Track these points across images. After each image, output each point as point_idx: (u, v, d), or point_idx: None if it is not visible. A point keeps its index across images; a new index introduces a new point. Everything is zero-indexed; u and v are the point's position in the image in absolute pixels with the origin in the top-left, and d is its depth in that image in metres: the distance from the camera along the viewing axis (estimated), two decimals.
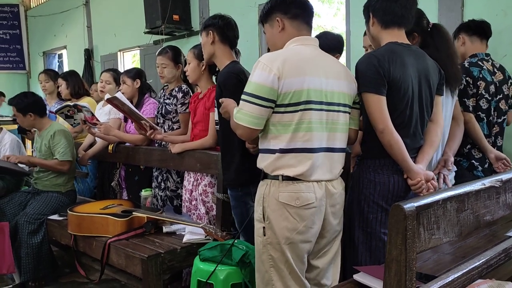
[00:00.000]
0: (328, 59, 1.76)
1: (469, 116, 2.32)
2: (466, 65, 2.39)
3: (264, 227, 1.70)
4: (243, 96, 1.66)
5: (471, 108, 2.34)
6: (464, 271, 1.09)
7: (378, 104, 1.71)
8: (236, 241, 2.05)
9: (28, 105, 3.11)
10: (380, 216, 1.79)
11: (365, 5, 1.87)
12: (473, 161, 2.38)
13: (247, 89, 1.66)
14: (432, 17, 3.21)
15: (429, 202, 0.95)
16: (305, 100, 1.62)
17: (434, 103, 1.87)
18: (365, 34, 2.54)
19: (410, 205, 0.90)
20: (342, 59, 3.95)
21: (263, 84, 1.61)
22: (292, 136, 1.64)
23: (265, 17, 1.83)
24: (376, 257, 1.80)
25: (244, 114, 1.65)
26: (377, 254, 1.80)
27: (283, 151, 1.65)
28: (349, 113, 1.77)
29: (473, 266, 1.13)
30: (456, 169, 2.16)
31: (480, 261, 1.15)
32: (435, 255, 1.56)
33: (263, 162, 1.71)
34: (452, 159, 2.04)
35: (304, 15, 1.78)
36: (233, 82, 2.10)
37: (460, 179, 2.13)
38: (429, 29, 2.00)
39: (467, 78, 2.35)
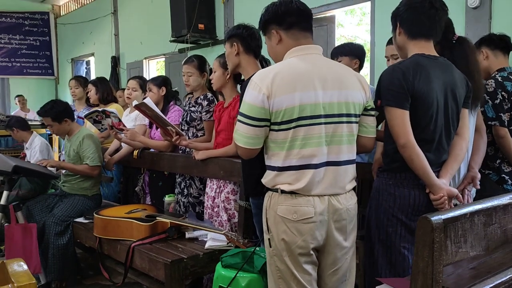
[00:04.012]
0: (331, 67, 1.68)
1: (505, 131, 2.27)
2: (499, 80, 2.35)
3: (269, 239, 1.70)
4: (238, 117, 1.67)
5: (506, 123, 2.29)
6: (490, 286, 1.08)
7: (401, 119, 1.68)
8: (257, 248, 2.07)
9: (61, 112, 3.21)
10: (400, 230, 1.77)
11: (393, 13, 1.84)
12: (503, 175, 2.34)
13: (241, 109, 1.65)
14: (459, 29, 3.18)
15: (456, 215, 0.95)
16: (297, 116, 1.58)
17: (460, 117, 1.83)
18: (387, 43, 2.56)
19: (437, 218, 0.90)
20: (366, 69, 3.95)
21: (254, 104, 1.60)
22: (287, 154, 1.62)
23: (262, 30, 1.81)
24: (397, 270, 1.77)
25: (239, 135, 1.66)
26: (398, 268, 1.78)
27: (281, 169, 1.64)
28: (356, 122, 1.71)
29: (500, 281, 1.12)
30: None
31: (507, 277, 1.14)
32: (459, 269, 1.54)
33: (265, 178, 1.72)
34: (479, 176, 1.99)
35: (300, 22, 1.71)
36: None
37: (489, 193, 2.09)
38: (453, 42, 1.95)
39: (503, 93, 2.30)
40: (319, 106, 1.60)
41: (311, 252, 1.66)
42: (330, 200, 1.64)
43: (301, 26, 1.72)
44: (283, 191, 1.64)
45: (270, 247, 1.69)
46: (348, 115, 1.66)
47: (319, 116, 1.60)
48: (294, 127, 1.60)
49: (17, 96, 8.50)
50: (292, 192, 1.62)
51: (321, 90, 1.61)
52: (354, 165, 1.74)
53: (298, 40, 1.71)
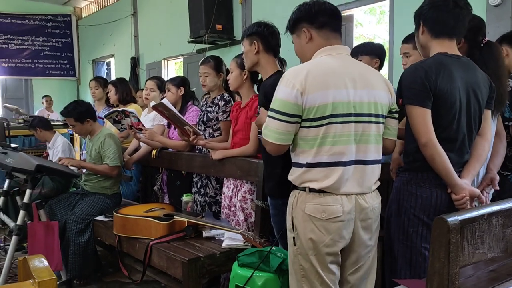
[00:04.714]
0: (359, 68, 1.72)
1: None
2: None
3: (294, 237, 1.70)
4: (269, 113, 1.67)
5: None
6: None
7: (422, 117, 1.67)
8: (274, 248, 2.07)
9: (84, 112, 3.27)
10: (421, 230, 1.75)
11: (416, 12, 1.83)
12: None
13: (272, 105, 1.66)
14: None
15: (473, 216, 0.94)
16: (330, 114, 1.60)
17: (483, 117, 1.81)
18: (403, 42, 2.54)
19: (454, 218, 0.89)
20: (384, 69, 3.91)
21: (287, 100, 1.60)
22: (317, 150, 1.63)
23: (292, 28, 1.82)
24: (416, 271, 1.76)
25: (270, 131, 1.66)
26: (417, 269, 1.76)
27: (310, 165, 1.64)
28: (383, 123, 1.72)
29: None
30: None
31: None
32: (478, 272, 1.51)
33: (292, 175, 1.72)
34: (498, 177, 1.96)
35: (331, 22, 1.74)
36: None
37: (507, 195, 2.05)
38: (481, 45, 1.93)
39: None
40: (350, 104, 1.62)
41: (338, 252, 1.67)
42: (357, 199, 1.66)
43: (332, 27, 1.74)
44: (311, 190, 1.64)
45: (295, 245, 1.70)
46: (376, 115, 1.68)
47: (349, 115, 1.62)
48: (326, 124, 1.61)
49: (45, 96, 8.74)
50: (320, 191, 1.63)
51: (352, 89, 1.63)
52: (380, 165, 1.75)
53: (329, 40, 1.73)
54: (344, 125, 1.61)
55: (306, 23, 1.75)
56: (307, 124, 1.62)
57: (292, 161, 1.73)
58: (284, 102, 1.61)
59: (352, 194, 1.64)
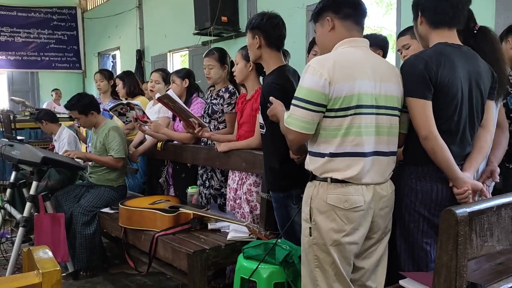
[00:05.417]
0: (378, 61, 1.73)
1: None
2: None
3: (310, 228, 1.70)
4: (294, 101, 1.67)
5: None
6: None
7: (423, 109, 1.65)
8: (279, 240, 2.07)
9: (87, 105, 3.28)
10: (422, 225, 1.74)
11: (414, 2, 1.81)
12: None
13: (298, 94, 1.66)
14: (489, 17, 3.08)
15: (482, 208, 0.92)
16: (355, 104, 1.61)
17: (485, 108, 1.78)
18: (399, 36, 2.50)
19: (462, 211, 0.88)
20: (392, 61, 3.88)
21: (314, 89, 1.61)
22: (341, 141, 1.64)
23: (316, 16, 1.82)
24: (419, 266, 1.75)
25: (295, 119, 1.66)
26: (420, 264, 1.75)
27: (333, 155, 1.65)
28: (399, 116, 1.73)
29: None
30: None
31: None
32: (486, 265, 1.50)
33: (312, 164, 1.71)
34: (498, 170, 1.93)
35: (356, 15, 1.75)
36: (275, 94, 2.05)
37: None
38: (475, 32, 1.90)
39: None
40: (373, 96, 1.64)
41: (358, 241, 1.68)
42: (375, 188, 1.68)
43: (356, 20, 1.75)
44: (333, 180, 1.65)
45: (310, 236, 1.70)
46: (393, 108, 1.70)
47: (372, 106, 1.64)
48: (351, 115, 1.62)
49: (55, 89, 8.82)
50: (343, 181, 1.64)
51: (373, 82, 1.65)
52: (395, 157, 1.76)
53: (351, 31, 1.74)
54: (366, 116, 1.64)
55: (331, 13, 1.75)
56: (332, 114, 1.63)
57: (310, 150, 1.74)
58: (311, 90, 1.61)
59: (371, 184, 1.66)
